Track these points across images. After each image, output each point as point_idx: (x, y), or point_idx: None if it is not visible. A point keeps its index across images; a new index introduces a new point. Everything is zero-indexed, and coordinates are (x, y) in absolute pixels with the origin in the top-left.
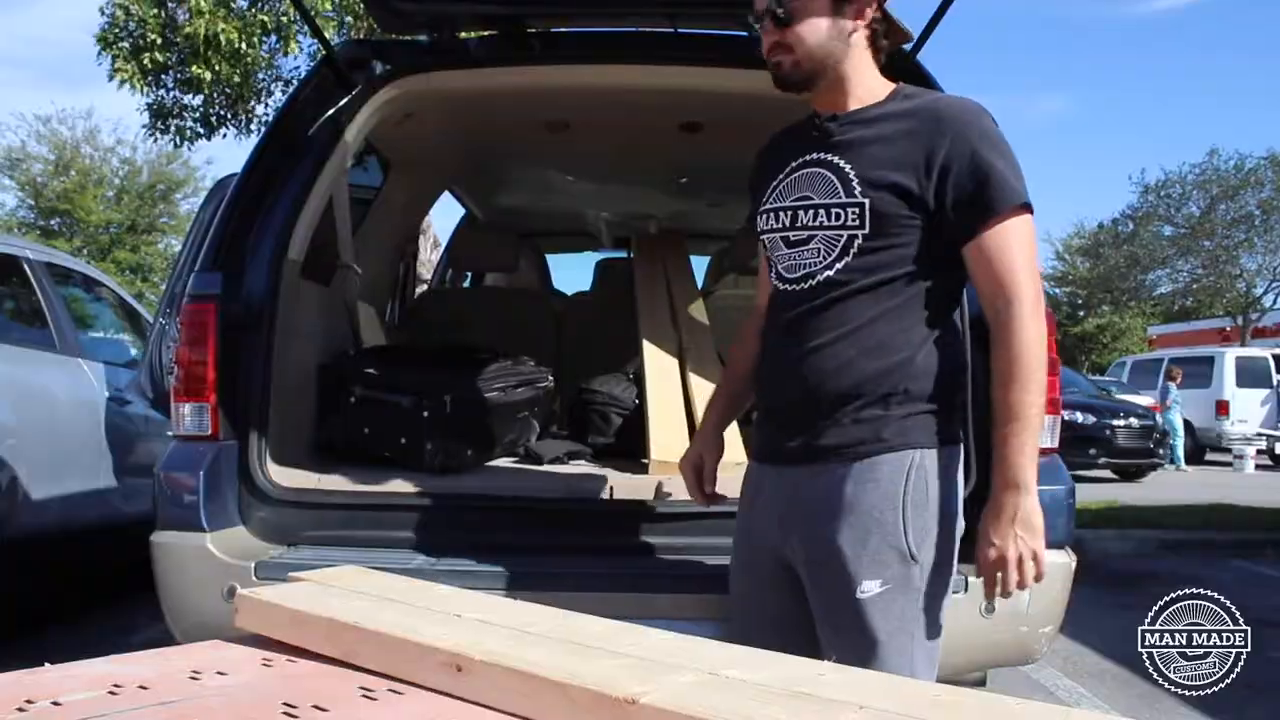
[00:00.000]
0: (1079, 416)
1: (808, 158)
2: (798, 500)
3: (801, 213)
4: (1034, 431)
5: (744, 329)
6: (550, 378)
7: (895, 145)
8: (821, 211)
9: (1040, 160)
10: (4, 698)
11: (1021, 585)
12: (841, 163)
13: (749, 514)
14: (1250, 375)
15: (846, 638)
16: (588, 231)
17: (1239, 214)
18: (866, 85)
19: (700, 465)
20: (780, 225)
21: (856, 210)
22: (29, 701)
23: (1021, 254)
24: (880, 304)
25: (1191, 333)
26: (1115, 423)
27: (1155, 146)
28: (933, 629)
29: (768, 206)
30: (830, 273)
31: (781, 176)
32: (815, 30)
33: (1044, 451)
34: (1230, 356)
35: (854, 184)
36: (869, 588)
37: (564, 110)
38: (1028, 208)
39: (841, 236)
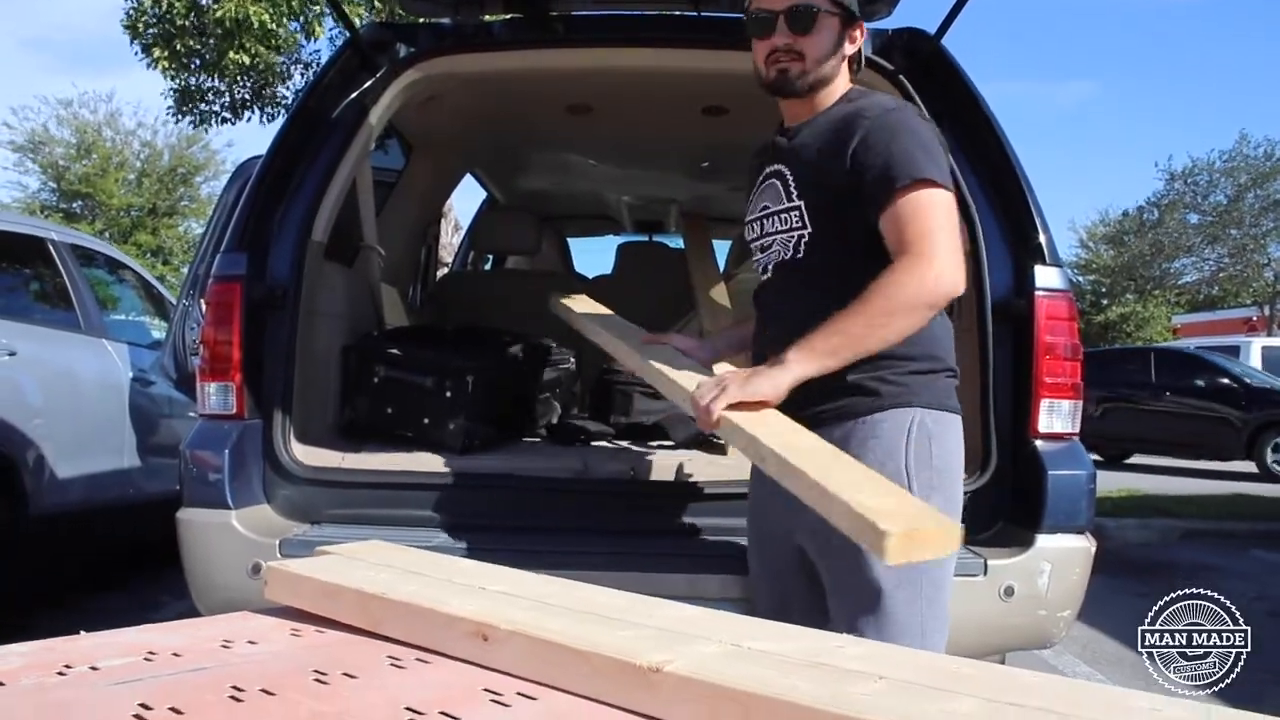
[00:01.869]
0: None
1: (768, 169)
2: None
3: (765, 221)
4: (833, 339)
5: None
6: (572, 359)
7: (824, 146)
8: (775, 218)
9: (1066, 146)
10: (44, 661)
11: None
12: (786, 170)
13: (759, 499)
14: (1277, 365)
15: (856, 595)
16: (609, 215)
17: (1267, 202)
18: (829, 94)
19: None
20: (754, 235)
21: (797, 213)
22: (68, 666)
23: (927, 220)
24: (838, 287)
25: (1217, 322)
26: None
27: (1184, 133)
28: (940, 589)
29: (747, 218)
30: (789, 268)
31: (754, 190)
32: (824, 45)
33: (1064, 436)
34: (1256, 346)
35: (793, 189)
36: None
37: (586, 93)
38: (933, 183)
39: (792, 237)
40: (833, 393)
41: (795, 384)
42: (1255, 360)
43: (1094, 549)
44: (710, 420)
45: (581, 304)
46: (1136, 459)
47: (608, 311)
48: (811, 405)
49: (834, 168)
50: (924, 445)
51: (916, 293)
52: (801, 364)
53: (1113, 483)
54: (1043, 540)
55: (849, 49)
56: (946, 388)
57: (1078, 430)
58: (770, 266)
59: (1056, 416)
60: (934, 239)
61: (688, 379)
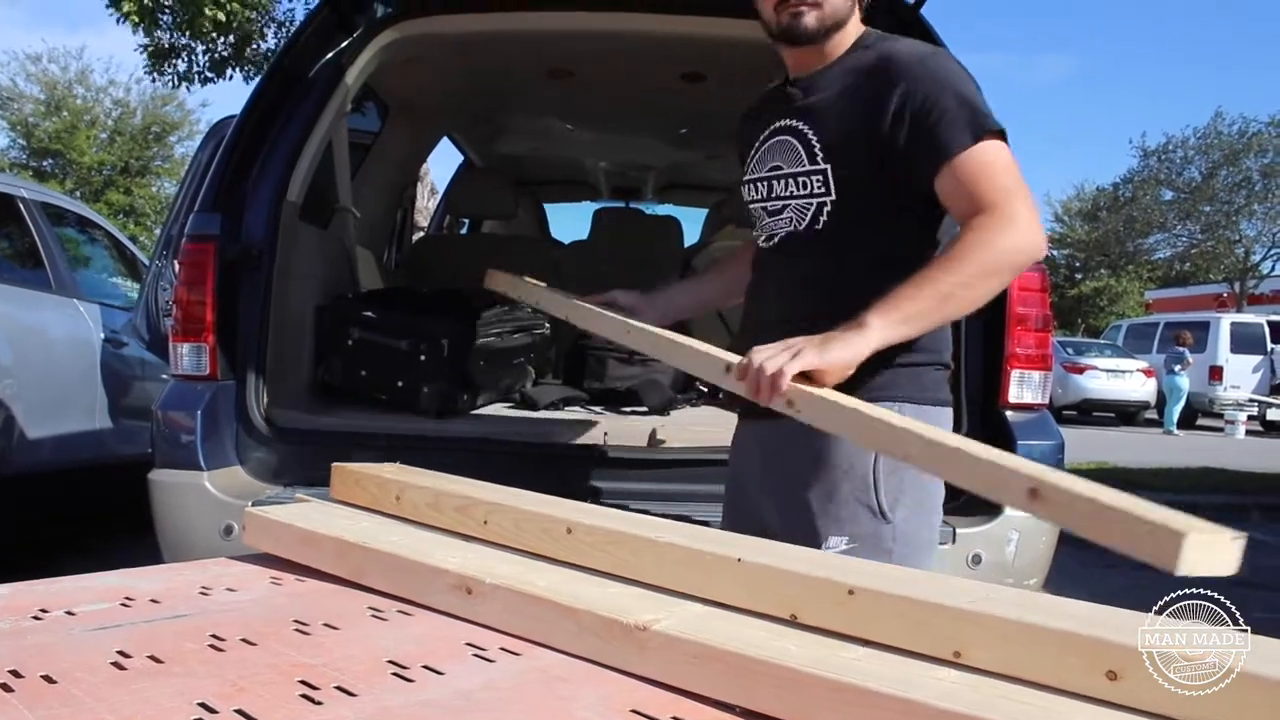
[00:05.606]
0: None
1: (776, 124)
2: (769, 455)
3: (775, 183)
4: (921, 302)
5: (736, 255)
6: (547, 324)
7: (853, 102)
8: (790, 181)
9: (1041, 122)
10: (20, 604)
11: (758, 388)
12: (805, 129)
13: (734, 476)
14: (1245, 341)
15: None
16: (587, 181)
17: (1239, 179)
18: (841, 40)
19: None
20: (758, 196)
21: (820, 178)
22: (44, 610)
23: (1005, 176)
24: (852, 262)
25: (1188, 298)
26: None
27: (1159, 110)
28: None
29: (748, 177)
30: (803, 237)
31: (757, 145)
32: None
33: (1034, 407)
34: (1225, 322)
35: (817, 151)
36: (834, 543)
37: (566, 57)
38: (1001, 134)
39: (811, 204)
40: None
41: (874, 352)
42: (1224, 336)
43: None
44: (778, 390)
45: (514, 282)
46: None
47: (542, 284)
48: None
49: (870, 126)
50: None
51: (1010, 251)
52: (884, 329)
53: (1083, 455)
54: (1011, 509)
55: None
56: (931, 377)
57: (1047, 401)
58: (779, 235)
59: (1027, 387)
60: (1018, 196)
61: (706, 346)
